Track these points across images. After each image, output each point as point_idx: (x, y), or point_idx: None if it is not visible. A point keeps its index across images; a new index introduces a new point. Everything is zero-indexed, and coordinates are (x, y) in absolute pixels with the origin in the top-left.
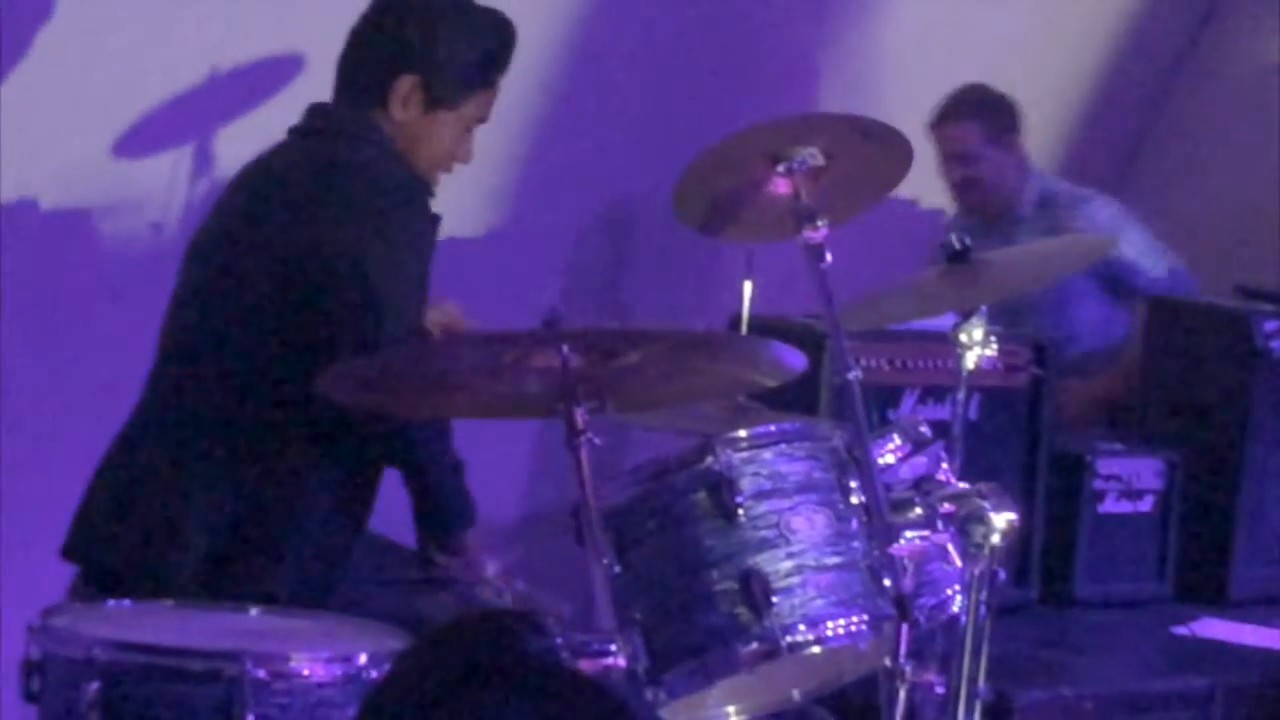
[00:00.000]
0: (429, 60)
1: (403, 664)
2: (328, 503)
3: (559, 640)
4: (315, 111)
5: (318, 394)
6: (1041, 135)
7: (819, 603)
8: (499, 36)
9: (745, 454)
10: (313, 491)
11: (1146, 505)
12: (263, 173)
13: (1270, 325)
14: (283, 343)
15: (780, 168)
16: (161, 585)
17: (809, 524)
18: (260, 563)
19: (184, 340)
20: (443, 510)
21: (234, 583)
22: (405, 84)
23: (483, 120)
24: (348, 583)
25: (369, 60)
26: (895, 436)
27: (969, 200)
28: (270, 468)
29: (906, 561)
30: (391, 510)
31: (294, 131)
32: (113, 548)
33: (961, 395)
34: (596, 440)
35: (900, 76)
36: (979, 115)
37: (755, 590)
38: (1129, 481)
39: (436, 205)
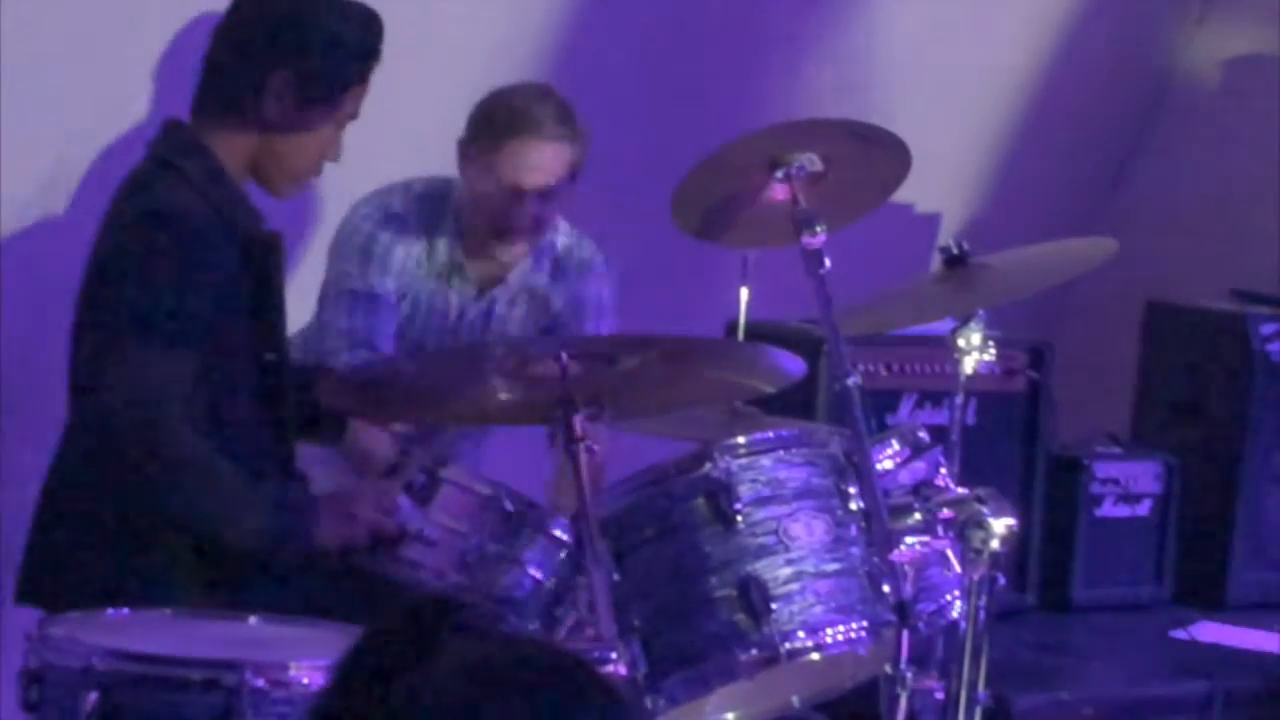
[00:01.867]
0: (302, 56)
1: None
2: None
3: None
4: (163, 127)
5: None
6: (1037, 137)
7: (818, 609)
8: (371, 29)
9: (744, 460)
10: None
11: (1144, 509)
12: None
13: (1267, 328)
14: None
15: (778, 173)
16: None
17: (808, 530)
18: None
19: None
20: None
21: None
22: (277, 81)
23: (354, 117)
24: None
25: (237, 59)
26: (894, 442)
27: (512, 249)
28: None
29: (906, 567)
30: None
31: (148, 145)
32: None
33: (959, 400)
34: (595, 447)
35: (898, 80)
36: (576, 137)
37: (754, 597)
38: (1127, 485)
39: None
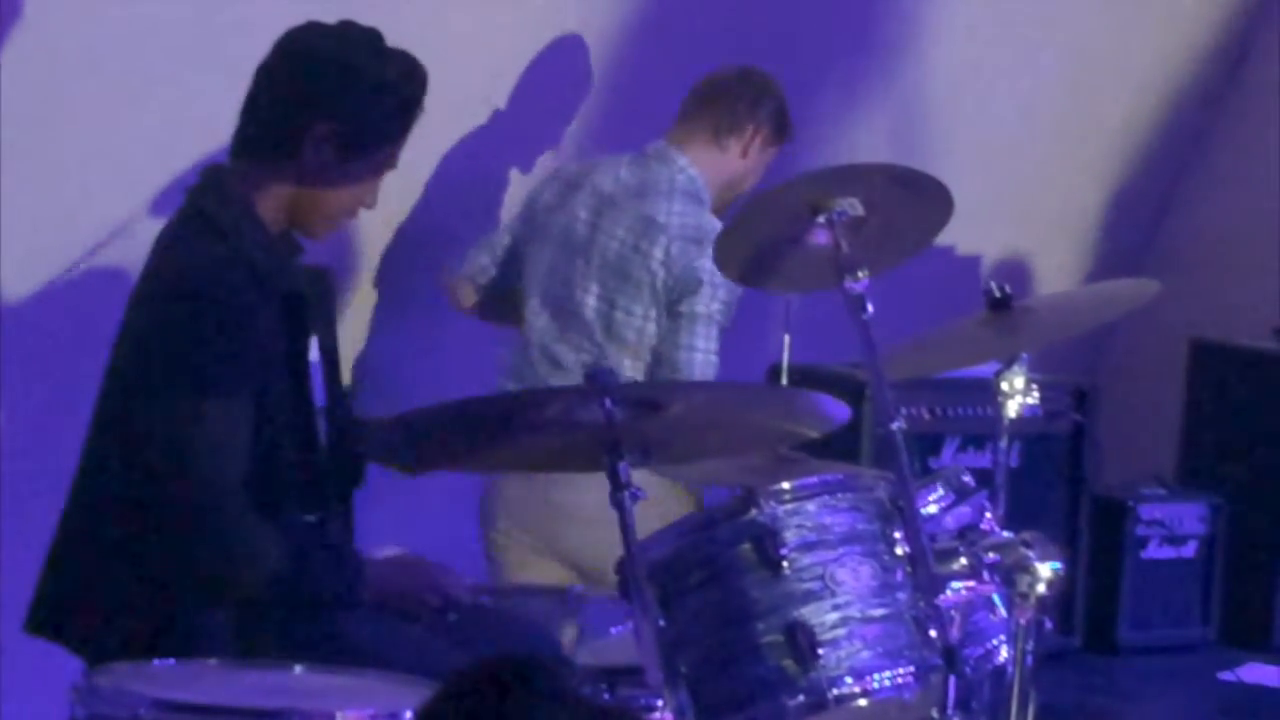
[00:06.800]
0: (345, 105)
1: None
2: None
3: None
4: (201, 173)
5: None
6: (1081, 179)
7: (865, 654)
8: (414, 78)
9: (789, 506)
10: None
11: (1190, 550)
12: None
13: None
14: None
15: (820, 218)
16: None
17: (854, 575)
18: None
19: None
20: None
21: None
22: (319, 130)
23: (392, 167)
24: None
25: (279, 104)
26: (939, 486)
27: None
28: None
29: (952, 612)
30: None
31: (186, 192)
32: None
33: (1003, 443)
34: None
35: (938, 122)
36: None
37: (801, 642)
38: (1172, 527)
39: None
